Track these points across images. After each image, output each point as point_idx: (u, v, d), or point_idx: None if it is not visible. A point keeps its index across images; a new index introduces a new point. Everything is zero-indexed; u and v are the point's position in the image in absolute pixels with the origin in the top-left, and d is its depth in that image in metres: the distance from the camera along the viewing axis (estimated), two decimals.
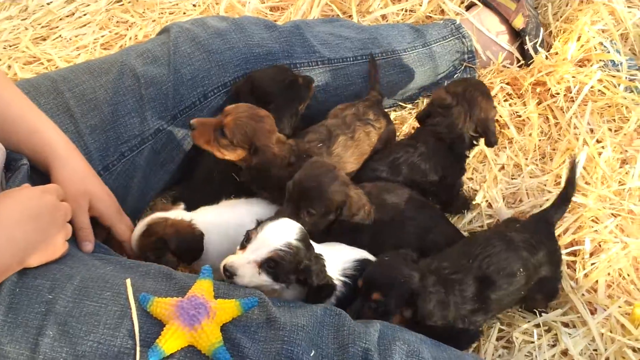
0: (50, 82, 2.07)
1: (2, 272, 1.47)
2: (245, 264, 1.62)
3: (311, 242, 1.72)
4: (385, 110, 2.43)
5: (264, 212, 1.95)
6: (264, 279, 1.64)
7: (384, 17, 2.82)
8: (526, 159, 2.36)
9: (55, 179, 1.77)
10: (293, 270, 1.65)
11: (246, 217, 1.87)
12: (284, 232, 1.65)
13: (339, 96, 2.37)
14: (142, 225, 1.84)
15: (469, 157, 2.22)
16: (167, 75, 2.13)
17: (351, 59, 2.38)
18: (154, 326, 1.48)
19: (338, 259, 1.81)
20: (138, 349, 1.45)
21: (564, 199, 1.91)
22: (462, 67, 2.61)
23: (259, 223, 1.70)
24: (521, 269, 1.76)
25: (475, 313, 1.74)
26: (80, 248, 1.73)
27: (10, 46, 2.87)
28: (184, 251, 1.83)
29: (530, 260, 1.79)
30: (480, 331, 1.81)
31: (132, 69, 2.12)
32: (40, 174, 1.81)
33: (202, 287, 1.53)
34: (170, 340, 1.43)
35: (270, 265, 1.62)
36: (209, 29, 2.24)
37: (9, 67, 2.75)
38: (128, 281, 1.54)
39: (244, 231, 1.72)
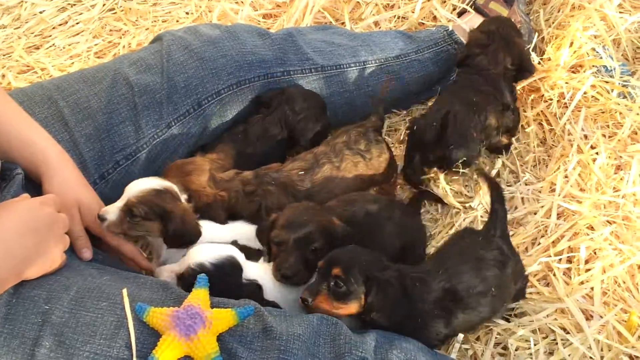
0: (44, 91, 2.07)
1: None
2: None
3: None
4: None
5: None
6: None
7: (376, 24, 2.82)
8: (522, 165, 2.36)
9: (46, 189, 1.78)
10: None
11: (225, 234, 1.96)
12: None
13: (333, 103, 2.38)
14: (156, 182, 1.86)
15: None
16: (161, 83, 2.13)
17: (344, 66, 2.38)
18: (150, 336, 1.48)
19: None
20: (134, 359, 1.45)
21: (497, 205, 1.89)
22: (455, 74, 2.61)
23: None
24: (493, 288, 1.75)
25: (434, 319, 1.70)
26: (79, 256, 1.74)
27: (3, 55, 2.87)
28: (179, 234, 1.83)
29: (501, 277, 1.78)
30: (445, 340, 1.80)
31: (126, 77, 2.12)
32: (34, 184, 1.81)
33: (199, 297, 1.53)
34: (167, 351, 1.43)
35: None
36: (202, 37, 2.24)
37: (3, 76, 2.75)
38: (124, 291, 1.54)
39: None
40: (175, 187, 1.87)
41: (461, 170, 2.24)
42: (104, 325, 1.49)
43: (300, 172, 2.08)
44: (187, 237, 1.84)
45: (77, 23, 2.99)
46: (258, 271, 1.81)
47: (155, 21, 2.98)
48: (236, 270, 1.76)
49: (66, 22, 3.00)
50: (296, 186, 2.07)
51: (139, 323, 1.50)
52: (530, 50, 2.58)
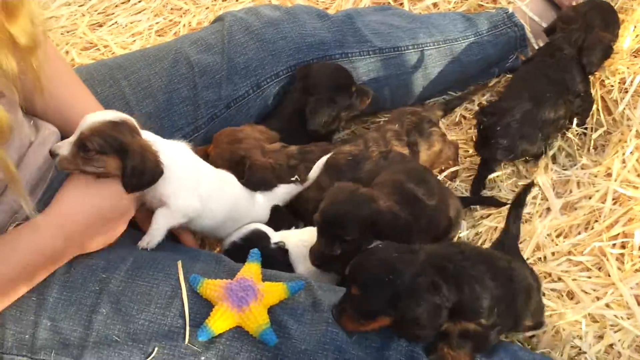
0: (106, 70, 2.12)
1: (60, 257, 1.52)
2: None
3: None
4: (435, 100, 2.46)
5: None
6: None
7: (435, 5, 2.80)
8: (579, 149, 2.34)
9: None
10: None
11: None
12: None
13: (390, 86, 2.39)
14: (113, 113, 1.67)
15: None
16: (221, 63, 2.16)
17: (403, 49, 2.38)
18: (203, 307, 1.53)
19: None
20: (187, 328, 1.50)
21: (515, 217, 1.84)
22: (515, 56, 2.59)
23: None
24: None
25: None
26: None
27: (67, 32, 2.94)
28: (138, 172, 1.62)
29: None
30: None
31: (187, 56, 2.16)
32: None
33: (251, 270, 1.56)
34: (220, 321, 1.47)
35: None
36: (263, 18, 2.27)
37: (67, 52, 2.81)
38: (179, 263, 1.59)
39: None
40: (134, 121, 1.68)
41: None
42: (158, 295, 1.54)
43: (349, 158, 2.08)
44: (147, 176, 1.64)
45: (140, 1, 3.04)
46: (285, 238, 1.87)
47: (215, 0, 3.01)
48: (263, 239, 1.83)
49: (129, 1, 3.05)
50: (342, 170, 2.05)
51: (193, 294, 1.55)
52: None
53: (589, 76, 2.37)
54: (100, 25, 2.98)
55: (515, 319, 1.60)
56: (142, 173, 1.62)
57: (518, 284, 1.58)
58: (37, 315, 1.51)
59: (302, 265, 1.83)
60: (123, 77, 2.11)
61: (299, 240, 1.88)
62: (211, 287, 1.53)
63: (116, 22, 2.97)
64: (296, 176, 2.02)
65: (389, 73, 2.37)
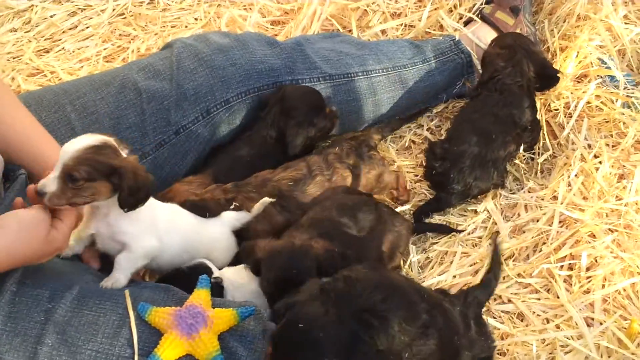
0: (52, 95, 2.10)
1: None
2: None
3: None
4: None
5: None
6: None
7: (383, 32, 2.83)
8: (526, 173, 2.39)
9: None
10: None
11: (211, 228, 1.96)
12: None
13: (340, 112, 2.39)
14: (93, 137, 1.61)
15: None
16: (170, 90, 2.15)
17: (352, 75, 2.39)
18: (152, 335, 1.50)
19: None
20: (137, 358, 1.46)
21: (491, 278, 1.90)
22: (461, 82, 2.63)
23: None
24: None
25: None
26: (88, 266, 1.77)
27: (13, 58, 2.90)
28: (134, 191, 1.61)
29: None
30: None
31: (134, 82, 2.14)
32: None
33: (200, 297, 1.54)
34: (169, 349, 1.45)
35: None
36: (212, 45, 2.26)
37: (13, 78, 2.77)
38: (127, 292, 1.56)
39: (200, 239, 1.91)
40: (113, 141, 1.63)
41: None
42: (105, 324, 1.50)
43: (290, 183, 2.08)
44: (142, 192, 1.63)
45: (87, 27, 3.01)
46: (223, 274, 1.85)
47: (164, 27, 3.00)
48: (206, 272, 1.78)
49: (76, 27, 3.01)
50: (286, 196, 2.06)
51: (141, 322, 1.52)
52: None
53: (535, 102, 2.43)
54: (47, 51, 2.94)
55: None
56: (137, 190, 1.61)
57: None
58: None
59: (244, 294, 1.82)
60: (69, 102, 2.08)
61: (237, 277, 1.85)
62: (160, 315, 1.50)
63: (63, 48, 2.93)
64: (234, 204, 2.01)
65: (339, 99, 2.38)
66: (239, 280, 1.84)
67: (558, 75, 2.39)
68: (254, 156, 2.21)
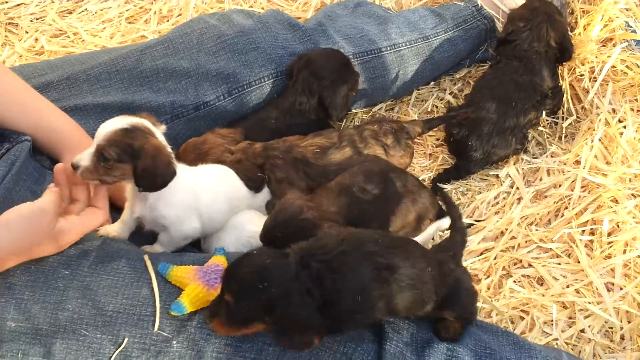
0: (67, 65, 2.14)
1: None
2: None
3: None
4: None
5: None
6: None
7: None
8: (549, 137, 2.37)
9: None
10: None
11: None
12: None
13: (366, 89, 2.41)
14: (124, 120, 1.67)
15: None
16: (189, 69, 2.16)
17: (376, 51, 2.39)
18: (171, 295, 1.52)
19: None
20: (158, 314, 1.49)
21: (455, 229, 1.76)
22: (484, 48, 2.61)
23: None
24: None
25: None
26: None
27: (37, 19, 2.91)
28: (150, 174, 1.65)
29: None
30: None
31: (153, 59, 2.15)
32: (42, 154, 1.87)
33: (220, 260, 1.57)
34: (192, 296, 1.48)
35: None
36: (235, 26, 2.27)
37: (36, 39, 2.79)
38: (146, 256, 1.60)
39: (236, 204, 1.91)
40: (147, 123, 1.69)
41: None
42: (125, 286, 1.52)
43: (317, 151, 2.07)
44: (159, 178, 1.67)
45: None
46: None
47: None
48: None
49: None
50: (310, 163, 2.05)
51: (161, 281, 1.54)
52: None
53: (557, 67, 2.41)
54: (70, 12, 2.94)
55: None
56: (153, 174, 1.65)
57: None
58: (1, 314, 1.48)
59: None
60: (83, 71, 2.11)
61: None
62: (181, 271, 1.53)
63: (86, 9, 2.94)
64: (259, 175, 2.02)
65: (365, 77, 2.38)
66: None
67: (573, 54, 2.38)
68: (282, 123, 2.22)
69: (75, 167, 1.61)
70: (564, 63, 2.46)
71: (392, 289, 1.43)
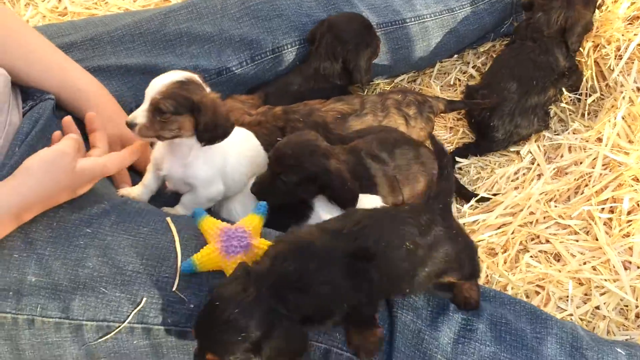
0: (91, 26, 2.13)
1: None
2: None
3: None
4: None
5: None
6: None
7: None
8: (571, 114, 2.35)
9: (89, 127, 1.76)
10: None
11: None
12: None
13: (388, 60, 2.39)
14: (178, 73, 1.67)
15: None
16: (212, 34, 2.16)
17: (400, 22, 2.37)
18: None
19: None
20: (178, 274, 1.50)
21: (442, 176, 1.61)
22: (510, 22, 2.58)
23: None
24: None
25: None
26: (118, 189, 1.78)
27: None
28: (211, 127, 1.65)
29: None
30: None
31: (176, 22, 2.15)
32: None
33: (252, 223, 1.56)
34: (206, 259, 1.49)
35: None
36: None
37: (60, 0, 2.78)
38: (169, 219, 1.60)
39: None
40: (198, 77, 1.69)
41: None
42: (145, 247, 1.53)
43: (337, 116, 2.06)
44: (220, 130, 1.67)
45: None
46: None
47: None
48: None
49: None
50: (330, 128, 2.03)
51: (183, 244, 1.54)
52: None
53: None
54: None
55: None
56: (215, 127, 1.65)
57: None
58: (22, 268, 1.50)
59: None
60: (106, 32, 2.10)
61: None
62: (211, 223, 1.53)
63: None
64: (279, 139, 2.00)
65: (388, 47, 2.37)
66: None
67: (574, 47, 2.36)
68: (305, 88, 2.21)
69: (131, 125, 1.62)
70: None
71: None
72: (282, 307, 1.32)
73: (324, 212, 1.78)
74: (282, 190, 1.75)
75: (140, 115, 1.61)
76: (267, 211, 1.59)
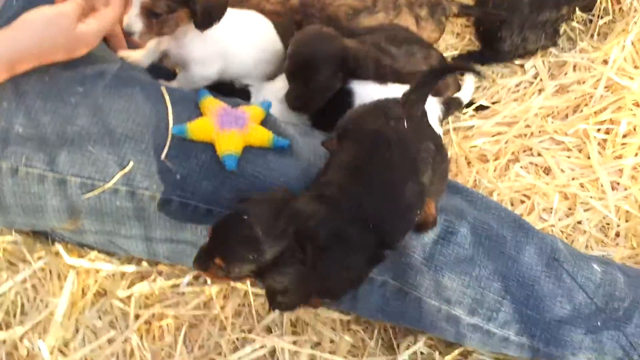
0: None
1: None
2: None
3: None
4: None
5: None
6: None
7: None
8: (581, 33, 2.32)
9: None
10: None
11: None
12: None
13: None
14: None
15: None
16: None
17: None
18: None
19: None
20: (168, 142, 1.49)
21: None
22: None
23: None
24: None
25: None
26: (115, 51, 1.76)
27: None
28: (207, 10, 1.63)
29: None
30: None
31: None
32: None
33: (255, 111, 1.55)
34: (199, 127, 1.48)
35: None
36: None
37: None
38: (163, 88, 1.57)
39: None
40: None
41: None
42: (137, 112, 1.52)
43: (349, 12, 2.03)
44: (216, 11, 1.66)
45: None
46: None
47: None
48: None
49: None
50: (341, 22, 2.00)
51: (175, 115, 1.53)
52: None
53: None
54: None
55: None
56: (209, 12, 1.65)
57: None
58: (9, 117, 1.48)
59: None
60: None
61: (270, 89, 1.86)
62: (210, 103, 1.53)
63: None
64: None
65: None
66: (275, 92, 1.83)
67: None
68: None
69: (129, 34, 1.62)
70: None
71: None
72: (300, 254, 1.33)
73: (363, 91, 1.76)
74: (319, 90, 1.73)
75: (134, 22, 1.61)
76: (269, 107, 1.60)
